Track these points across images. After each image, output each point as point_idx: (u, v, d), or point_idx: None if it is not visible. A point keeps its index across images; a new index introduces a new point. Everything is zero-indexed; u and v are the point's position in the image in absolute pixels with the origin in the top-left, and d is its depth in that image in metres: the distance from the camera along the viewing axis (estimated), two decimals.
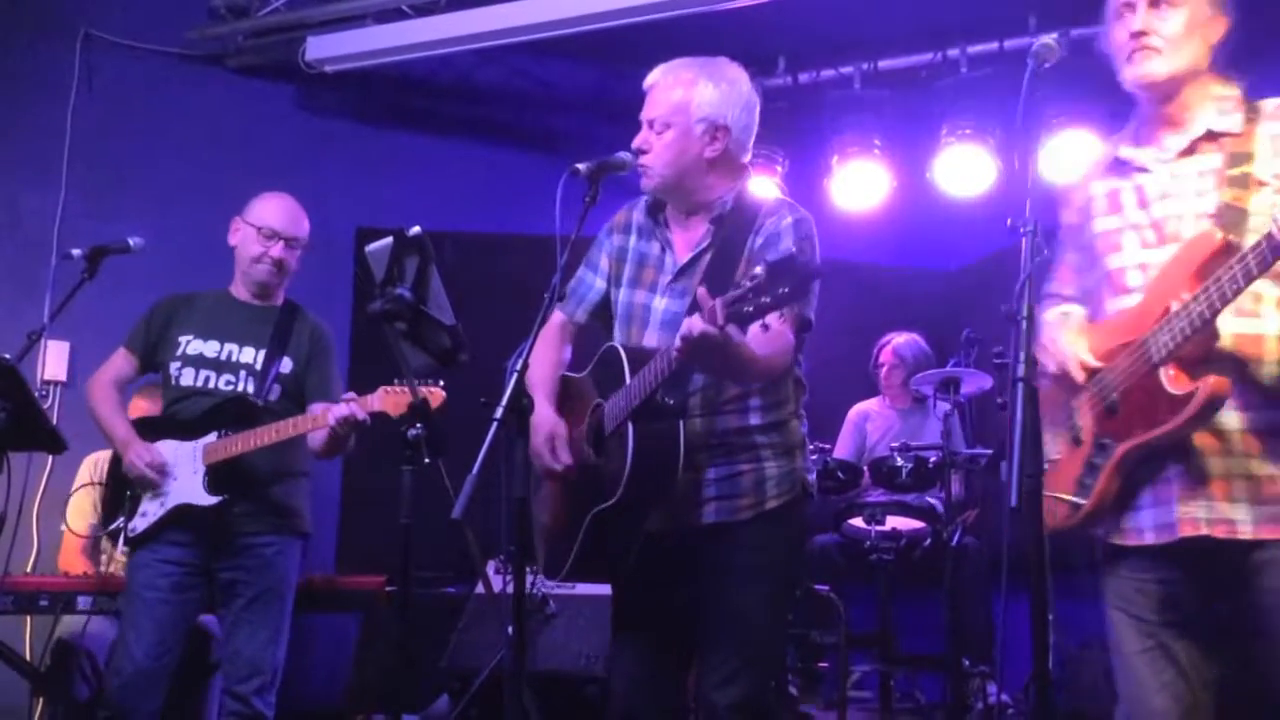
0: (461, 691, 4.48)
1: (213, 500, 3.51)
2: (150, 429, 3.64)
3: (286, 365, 3.70)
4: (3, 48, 5.63)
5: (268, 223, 3.70)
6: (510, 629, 2.43)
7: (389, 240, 2.93)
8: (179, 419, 3.62)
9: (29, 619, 4.70)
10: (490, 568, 4.56)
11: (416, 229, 2.95)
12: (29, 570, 4.65)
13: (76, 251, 3.77)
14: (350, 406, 3.43)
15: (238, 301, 3.76)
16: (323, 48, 5.73)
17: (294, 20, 5.79)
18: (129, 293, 3.87)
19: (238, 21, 5.86)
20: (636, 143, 2.69)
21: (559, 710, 4.35)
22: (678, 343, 2.29)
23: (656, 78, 2.72)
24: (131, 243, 3.78)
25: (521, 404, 2.37)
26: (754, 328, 2.36)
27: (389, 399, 3.48)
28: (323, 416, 3.47)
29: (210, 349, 3.67)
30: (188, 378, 3.64)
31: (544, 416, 2.65)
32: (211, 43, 5.95)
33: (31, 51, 5.67)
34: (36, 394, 3.53)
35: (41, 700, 4.52)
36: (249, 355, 3.67)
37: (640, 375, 2.48)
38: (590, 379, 2.74)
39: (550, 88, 6.39)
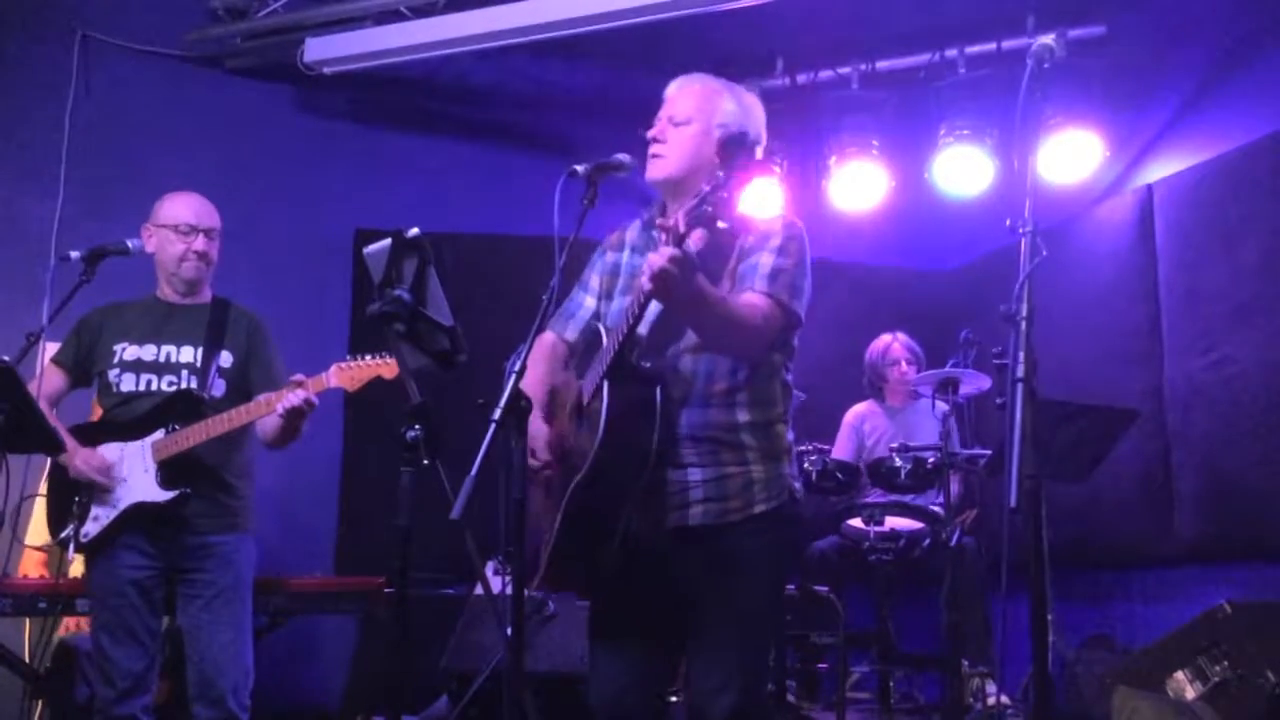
0: (460, 692, 4.47)
1: (168, 495, 3.49)
2: (89, 434, 3.60)
3: (226, 359, 3.67)
4: (1, 50, 5.63)
5: (184, 219, 3.68)
6: (509, 630, 2.43)
7: (387, 242, 2.92)
8: (120, 420, 3.59)
9: (27, 621, 4.70)
10: (489, 569, 4.56)
11: (415, 230, 2.95)
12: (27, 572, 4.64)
13: (75, 253, 3.76)
14: (299, 394, 3.41)
15: (168, 303, 3.74)
16: (321, 49, 5.73)
17: (292, 22, 5.79)
18: (127, 294, 3.86)
19: (236, 23, 5.86)
20: (653, 133, 2.73)
21: (558, 711, 4.35)
22: (645, 273, 2.30)
23: (682, 82, 2.80)
24: (130, 244, 3.76)
25: (519, 405, 2.36)
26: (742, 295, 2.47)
27: (344, 374, 3.47)
28: (275, 400, 3.45)
29: (148, 353, 3.64)
30: (129, 383, 3.61)
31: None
32: (210, 44, 5.95)
33: (29, 53, 5.67)
34: (34, 396, 3.51)
35: (40, 702, 4.52)
36: (188, 354, 3.64)
37: (613, 331, 2.50)
38: (576, 369, 2.76)
39: (549, 89, 6.39)
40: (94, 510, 3.53)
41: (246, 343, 3.72)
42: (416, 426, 2.78)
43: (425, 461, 2.75)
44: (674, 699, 3.86)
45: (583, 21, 5.39)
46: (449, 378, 2.95)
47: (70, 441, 3.56)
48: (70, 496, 3.57)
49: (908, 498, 5.13)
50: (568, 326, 2.88)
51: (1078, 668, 4.72)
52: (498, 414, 2.33)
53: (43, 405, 3.62)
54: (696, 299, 2.38)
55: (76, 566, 4.37)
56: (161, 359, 3.64)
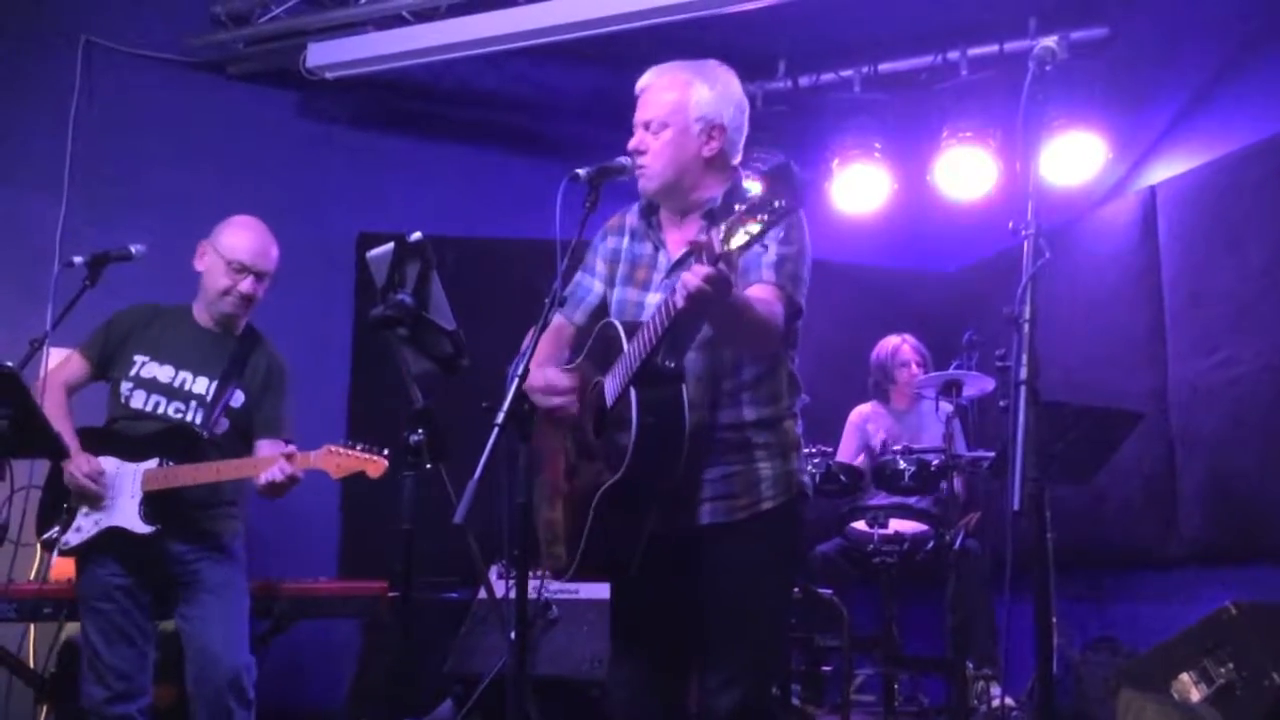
0: (465, 696, 4.48)
1: (146, 530, 3.48)
2: (93, 439, 3.60)
3: (238, 399, 3.65)
4: (4, 56, 5.64)
5: (238, 256, 3.63)
6: (513, 634, 2.43)
7: (390, 246, 2.94)
8: (122, 435, 3.58)
9: (32, 626, 4.70)
10: (493, 572, 4.56)
11: (417, 234, 2.96)
12: (32, 577, 4.65)
13: (78, 259, 3.76)
14: (281, 468, 3.42)
15: (199, 326, 3.71)
16: (323, 54, 5.74)
17: (294, 27, 5.80)
18: (131, 300, 3.87)
19: (238, 29, 5.87)
20: (633, 145, 2.69)
21: (562, 715, 4.34)
22: (680, 291, 2.27)
23: (650, 80, 2.73)
24: (133, 250, 3.77)
25: (522, 409, 2.37)
26: (751, 289, 2.43)
27: (329, 459, 3.47)
28: (261, 466, 3.46)
29: (164, 374, 3.62)
30: (138, 400, 3.60)
31: (539, 372, 2.62)
32: (212, 50, 5.96)
33: (33, 59, 5.68)
34: (38, 401, 3.51)
35: (46, 707, 4.52)
36: (201, 385, 3.63)
37: (637, 338, 2.47)
38: (586, 362, 2.73)
39: (550, 93, 6.40)
40: (78, 521, 3.54)
41: (261, 383, 3.70)
42: (419, 430, 2.79)
43: (428, 465, 2.76)
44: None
45: (584, 25, 5.39)
46: (451, 381, 2.96)
47: (74, 445, 3.55)
48: (61, 501, 3.58)
49: (912, 500, 5.12)
50: (576, 311, 2.86)
51: (1082, 669, 4.71)
52: (501, 417, 2.33)
53: (60, 393, 3.65)
54: (728, 311, 2.37)
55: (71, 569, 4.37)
56: (176, 384, 3.62)
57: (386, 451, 3.48)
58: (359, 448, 3.50)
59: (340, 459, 3.47)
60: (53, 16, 5.73)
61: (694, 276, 2.23)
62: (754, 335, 2.51)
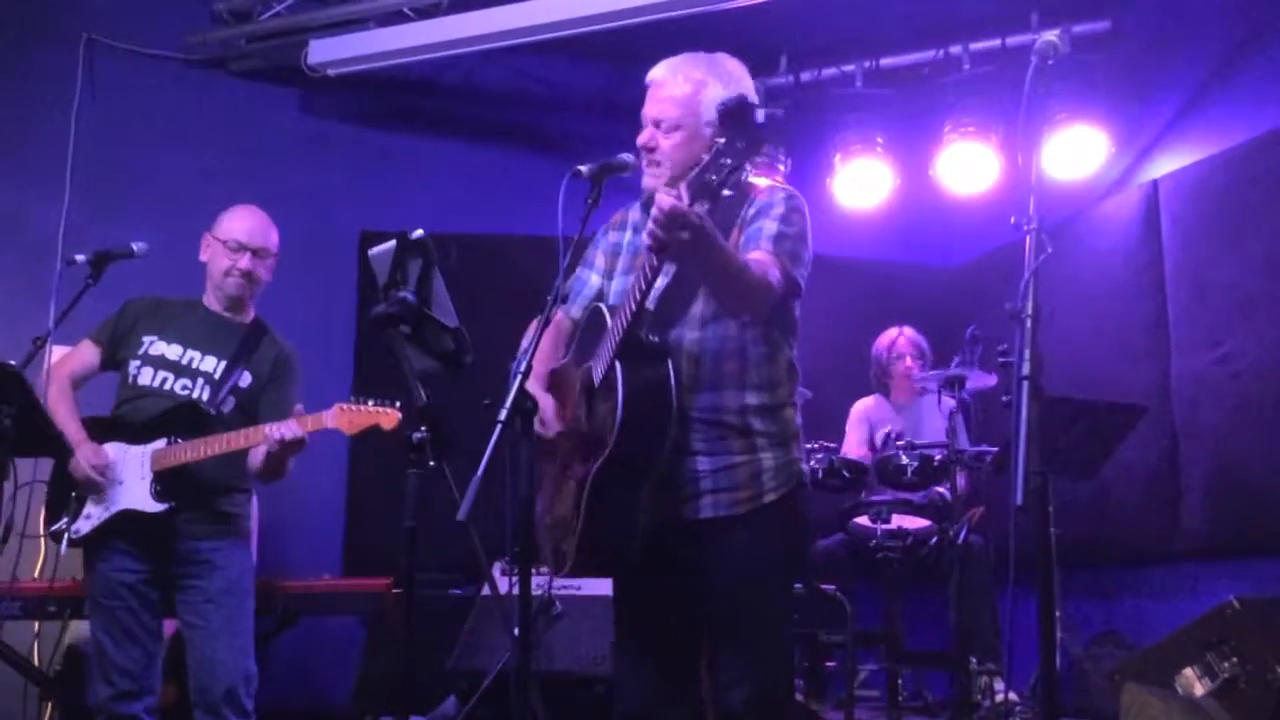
0: (469, 693, 4.48)
1: (159, 508, 3.49)
2: (99, 428, 3.61)
3: (245, 379, 3.67)
4: (6, 54, 5.65)
5: (234, 236, 3.69)
6: (517, 630, 2.43)
7: (392, 243, 2.93)
8: (128, 421, 3.59)
9: (37, 624, 4.71)
10: (496, 569, 4.56)
11: (419, 231, 2.96)
12: (36, 575, 4.66)
13: (80, 257, 3.77)
14: (290, 427, 3.41)
15: (208, 311, 3.75)
16: (325, 51, 5.75)
17: (296, 24, 5.81)
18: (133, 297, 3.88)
19: (240, 26, 5.88)
20: (643, 140, 2.68)
21: (567, 711, 4.35)
22: (649, 227, 2.27)
23: (663, 75, 2.71)
24: (135, 248, 3.78)
25: (525, 405, 2.36)
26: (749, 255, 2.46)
27: (343, 416, 3.47)
28: (273, 428, 3.46)
29: (173, 352, 3.64)
30: (145, 377, 3.61)
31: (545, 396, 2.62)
32: (214, 47, 5.97)
33: (34, 57, 5.69)
34: (41, 399, 3.52)
35: (50, 704, 4.53)
36: (210, 364, 3.65)
37: (620, 311, 2.47)
38: (576, 353, 2.73)
39: (553, 89, 6.40)
40: (87, 509, 3.54)
41: (269, 371, 3.71)
42: (422, 428, 2.79)
43: (431, 462, 2.76)
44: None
45: (586, 21, 5.39)
46: (454, 378, 2.96)
47: (78, 435, 3.55)
48: (68, 491, 3.58)
49: (915, 495, 5.12)
50: (574, 306, 2.86)
51: (1086, 664, 4.71)
52: (503, 414, 2.33)
53: (65, 384, 3.65)
54: (709, 255, 2.36)
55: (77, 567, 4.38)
56: (184, 361, 3.64)
57: (398, 403, 3.47)
58: (371, 403, 3.51)
59: (353, 415, 3.47)
60: (54, 14, 5.74)
61: (661, 203, 2.25)
62: (745, 288, 2.49)
